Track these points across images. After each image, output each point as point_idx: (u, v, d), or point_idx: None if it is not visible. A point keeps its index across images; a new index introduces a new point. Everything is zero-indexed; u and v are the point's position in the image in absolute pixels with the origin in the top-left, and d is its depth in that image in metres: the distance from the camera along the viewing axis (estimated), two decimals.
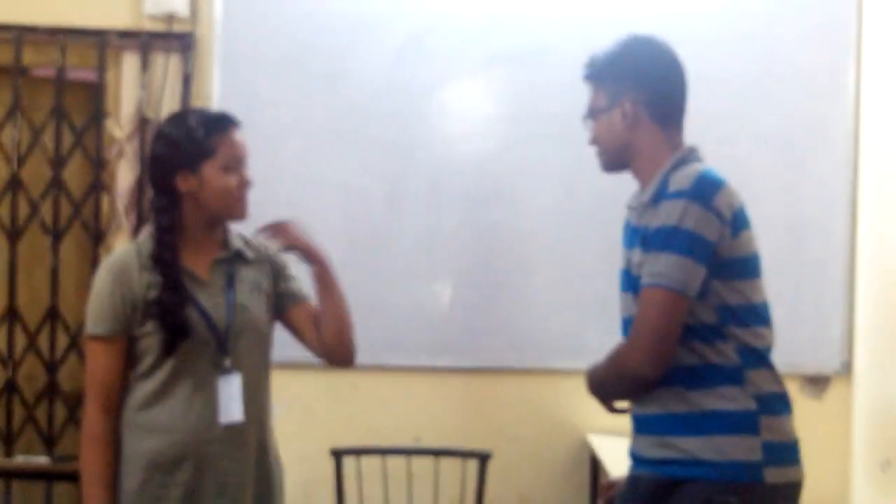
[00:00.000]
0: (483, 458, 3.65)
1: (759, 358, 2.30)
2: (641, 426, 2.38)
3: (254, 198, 3.75)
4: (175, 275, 2.45)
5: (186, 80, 3.87)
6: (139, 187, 3.85)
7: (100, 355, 2.45)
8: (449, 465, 3.69)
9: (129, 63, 3.88)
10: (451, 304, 3.93)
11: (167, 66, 3.88)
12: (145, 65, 3.86)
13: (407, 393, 3.97)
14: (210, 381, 2.46)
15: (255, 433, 2.55)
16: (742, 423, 2.24)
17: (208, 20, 3.88)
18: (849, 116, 3.93)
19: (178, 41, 3.87)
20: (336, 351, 2.68)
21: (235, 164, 2.51)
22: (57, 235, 3.87)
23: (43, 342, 3.86)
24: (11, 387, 3.86)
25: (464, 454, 3.67)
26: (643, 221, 2.33)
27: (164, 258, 2.44)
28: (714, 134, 3.84)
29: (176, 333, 2.41)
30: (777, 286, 3.82)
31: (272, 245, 2.64)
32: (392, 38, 3.90)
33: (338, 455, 3.65)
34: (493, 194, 3.94)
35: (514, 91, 3.94)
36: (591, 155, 3.86)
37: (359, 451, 3.66)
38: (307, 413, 3.94)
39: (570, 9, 3.92)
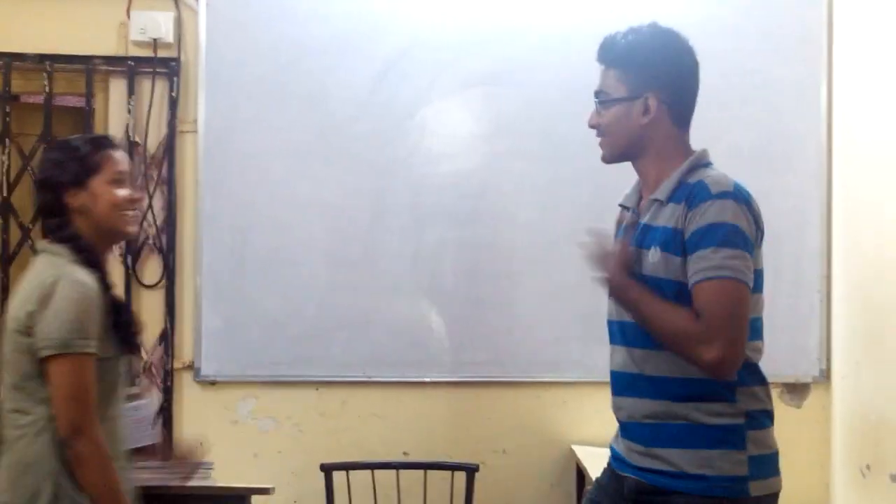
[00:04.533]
0: (471, 471, 3.70)
1: (755, 373, 2.30)
2: (628, 432, 2.37)
3: (239, 218, 3.90)
4: (107, 273, 2.53)
5: (172, 104, 3.93)
6: None
7: (91, 373, 2.40)
8: (437, 479, 3.73)
9: (116, 88, 3.95)
10: (437, 320, 3.98)
11: (153, 91, 3.94)
12: (132, 90, 3.93)
13: (395, 408, 4.01)
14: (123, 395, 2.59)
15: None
16: (729, 438, 2.25)
17: (193, 45, 3.94)
18: (821, 127, 4.00)
19: (163, 66, 3.93)
20: None
21: (122, 179, 2.53)
22: None
23: None
24: None
25: (452, 467, 3.72)
26: (663, 221, 2.29)
27: (95, 259, 2.48)
28: None
29: (129, 329, 2.53)
30: None
31: None
32: (372, 60, 3.96)
33: (327, 470, 3.69)
34: (475, 211, 3.99)
35: (493, 109, 3.99)
36: (571, 171, 3.98)
37: (348, 466, 3.70)
38: (297, 429, 3.99)
39: (546, 28, 3.98)
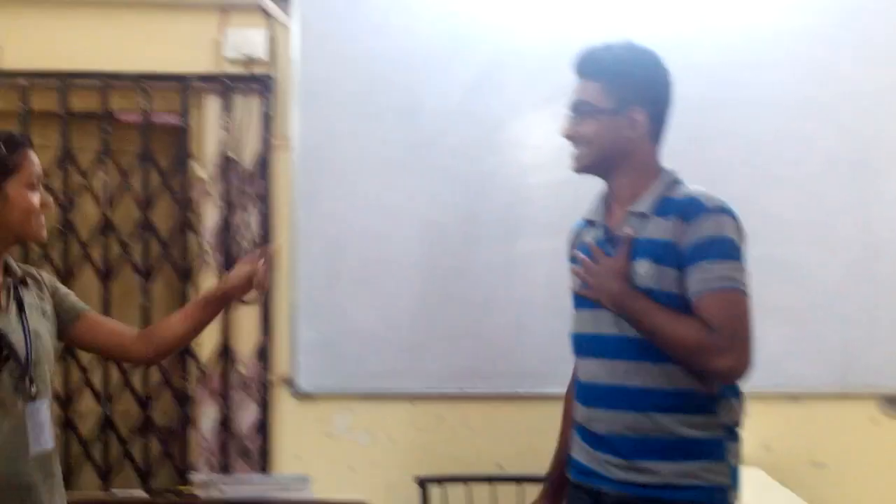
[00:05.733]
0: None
1: (732, 386, 2.36)
2: (605, 444, 2.38)
3: (333, 232, 3.92)
4: None
5: (266, 120, 3.97)
6: (225, 225, 3.96)
7: None
8: (533, 492, 3.68)
9: (211, 106, 3.99)
10: (531, 332, 3.96)
11: (248, 108, 3.98)
12: (227, 107, 3.97)
13: (489, 420, 4.01)
14: (16, 409, 2.36)
15: (56, 461, 2.48)
16: (713, 450, 2.32)
17: (285, 61, 3.97)
18: None
19: (257, 83, 3.97)
20: (155, 360, 2.77)
21: (37, 182, 2.42)
22: (147, 275, 3.98)
23: (136, 379, 3.97)
24: (108, 423, 3.97)
25: None
26: (651, 234, 2.34)
27: None
28: (785, 156, 3.93)
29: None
30: (852, 307, 3.90)
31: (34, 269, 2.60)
32: (463, 72, 3.96)
33: (423, 483, 3.70)
34: (567, 222, 3.95)
35: None
36: None
37: (444, 479, 3.71)
38: (392, 442, 4.01)
39: (636, 39, 3.94)
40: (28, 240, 2.49)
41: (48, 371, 2.46)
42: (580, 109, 2.44)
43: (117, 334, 2.65)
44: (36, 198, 2.40)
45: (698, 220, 2.29)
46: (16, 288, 2.46)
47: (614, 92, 2.40)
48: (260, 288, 2.68)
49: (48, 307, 2.54)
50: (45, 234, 2.46)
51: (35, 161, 2.42)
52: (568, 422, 2.68)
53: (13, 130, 2.65)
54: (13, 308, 2.42)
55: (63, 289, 2.62)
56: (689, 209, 2.32)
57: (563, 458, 2.68)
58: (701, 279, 2.26)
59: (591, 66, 2.45)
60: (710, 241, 2.28)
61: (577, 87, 2.48)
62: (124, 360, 2.70)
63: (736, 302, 2.25)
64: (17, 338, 2.38)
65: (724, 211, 2.32)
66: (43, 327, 2.48)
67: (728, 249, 2.28)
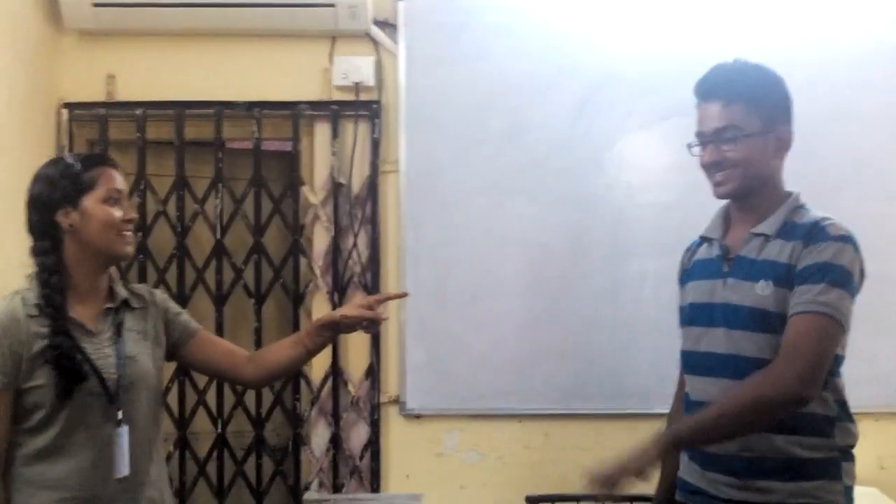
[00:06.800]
0: None
1: (847, 411, 2.35)
2: (718, 464, 2.38)
3: (441, 254, 3.97)
4: (63, 318, 2.36)
5: (375, 146, 4.04)
6: (335, 249, 4.03)
7: None
8: None
9: (321, 132, 4.08)
10: (637, 352, 3.97)
11: (356, 133, 4.06)
12: (335, 132, 4.05)
13: (597, 439, 4.01)
14: (102, 435, 2.37)
15: (147, 488, 2.46)
16: (829, 470, 2.31)
17: (393, 87, 4.05)
18: None
19: (365, 109, 4.04)
20: (265, 383, 2.91)
21: (116, 197, 2.43)
22: (259, 298, 4.06)
23: (249, 399, 4.05)
24: (222, 442, 4.06)
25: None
26: (772, 256, 2.33)
27: (53, 301, 2.35)
28: None
29: (71, 377, 2.32)
30: None
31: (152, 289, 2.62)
32: (569, 93, 4.00)
33: (533, 502, 3.72)
34: (675, 242, 3.94)
35: (690, 139, 3.95)
36: None
37: (553, 499, 3.71)
38: (501, 461, 4.04)
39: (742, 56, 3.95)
40: (113, 256, 2.45)
41: (145, 395, 2.46)
42: (726, 134, 2.41)
43: (230, 355, 2.69)
44: (117, 211, 2.42)
45: (819, 246, 2.29)
46: (116, 311, 2.47)
47: (759, 113, 2.39)
48: (369, 329, 2.76)
49: (154, 329, 2.55)
50: (129, 250, 2.47)
51: (113, 177, 2.44)
52: None
53: (95, 151, 2.68)
54: (108, 331, 2.44)
55: (175, 308, 2.65)
56: (813, 235, 2.32)
57: (669, 477, 2.67)
58: (798, 301, 2.26)
59: (727, 88, 2.42)
60: (822, 265, 2.27)
61: (711, 113, 2.44)
62: (235, 381, 2.75)
63: (819, 327, 2.23)
64: (105, 362, 2.39)
65: (847, 240, 2.31)
66: (143, 351, 2.49)
67: (837, 276, 2.26)
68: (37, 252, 2.41)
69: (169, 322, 2.60)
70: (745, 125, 2.39)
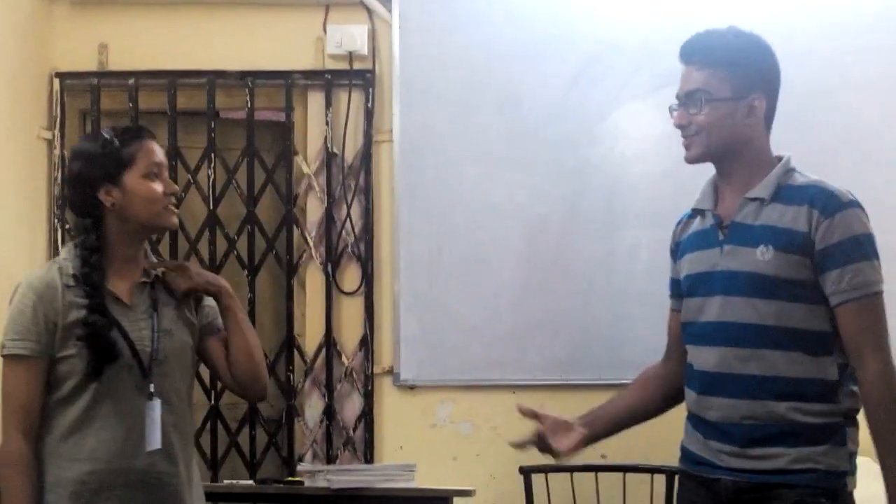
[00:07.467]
0: (670, 474, 3.66)
1: (850, 375, 2.31)
2: (719, 432, 2.36)
3: (435, 224, 3.96)
4: (101, 296, 2.33)
5: (368, 115, 4.03)
6: (328, 219, 4.02)
7: (20, 376, 2.30)
8: (636, 481, 3.71)
9: (314, 101, 4.06)
10: (631, 322, 3.96)
11: (350, 103, 4.03)
12: (329, 102, 4.03)
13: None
14: (134, 407, 2.34)
15: (178, 463, 2.43)
16: (833, 436, 2.27)
17: (387, 56, 4.03)
18: None
19: (359, 78, 4.03)
20: (249, 387, 2.54)
21: (157, 171, 2.39)
22: (253, 269, 4.05)
23: None
24: (216, 414, 4.05)
25: (651, 470, 3.70)
26: (772, 220, 2.32)
27: (92, 280, 2.33)
28: (892, 140, 3.87)
29: (103, 356, 2.29)
30: None
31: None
32: (564, 63, 3.99)
33: (526, 473, 3.71)
34: (669, 212, 3.93)
35: None
36: None
37: (547, 469, 3.71)
38: (495, 433, 4.02)
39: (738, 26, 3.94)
40: (159, 228, 2.46)
41: (179, 370, 2.43)
42: (695, 98, 2.38)
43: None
44: (158, 186, 2.38)
45: (838, 216, 2.27)
46: (153, 286, 2.43)
47: (732, 79, 2.36)
48: None
49: (188, 312, 2.49)
50: (175, 220, 2.45)
51: (153, 149, 2.40)
52: (631, 393, 2.82)
53: (131, 124, 2.65)
54: (144, 304, 2.41)
55: (206, 301, 2.55)
56: (825, 202, 2.29)
57: (611, 412, 2.78)
58: (843, 289, 2.26)
59: (704, 53, 2.39)
60: (852, 240, 2.26)
61: (688, 76, 2.41)
62: (230, 389, 2.69)
63: (871, 309, 2.26)
64: (140, 335, 2.37)
65: (856, 204, 2.30)
66: (179, 327, 2.45)
67: (867, 248, 2.27)
68: (79, 228, 2.40)
69: (198, 309, 2.53)
70: (715, 90, 2.36)
